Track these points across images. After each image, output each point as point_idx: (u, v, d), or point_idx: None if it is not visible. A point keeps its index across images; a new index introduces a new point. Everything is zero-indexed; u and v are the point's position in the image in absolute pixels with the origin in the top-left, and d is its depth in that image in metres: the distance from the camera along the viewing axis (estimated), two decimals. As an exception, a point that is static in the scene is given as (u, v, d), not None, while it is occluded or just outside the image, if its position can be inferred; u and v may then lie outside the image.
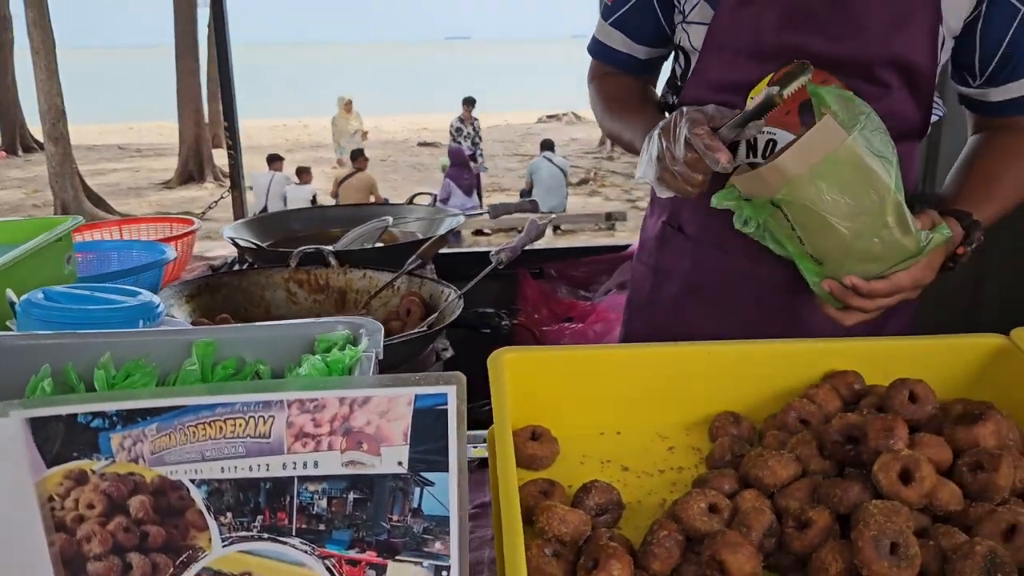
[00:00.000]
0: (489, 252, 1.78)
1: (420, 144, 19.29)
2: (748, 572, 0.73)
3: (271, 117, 25.72)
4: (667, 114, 1.15)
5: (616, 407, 1.00)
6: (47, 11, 11.42)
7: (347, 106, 14.49)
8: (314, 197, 9.81)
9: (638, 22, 1.31)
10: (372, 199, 9.58)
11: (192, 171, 14.79)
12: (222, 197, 7.79)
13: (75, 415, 0.49)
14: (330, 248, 1.78)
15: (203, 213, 7.57)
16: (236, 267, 2.08)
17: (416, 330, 1.45)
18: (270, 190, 10.11)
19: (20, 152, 17.35)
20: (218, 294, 1.65)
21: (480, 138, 12.64)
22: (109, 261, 1.81)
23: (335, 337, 0.78)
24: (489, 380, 0.91)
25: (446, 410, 0.51)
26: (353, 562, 0.53)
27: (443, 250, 2.21)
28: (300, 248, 1.76)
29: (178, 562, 0.52)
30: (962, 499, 0.78)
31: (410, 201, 1.93)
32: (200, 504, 0.52)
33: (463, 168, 10.29)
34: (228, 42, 2.51)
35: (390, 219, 2.09)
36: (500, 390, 0.89)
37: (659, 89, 1.40)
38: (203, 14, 16.12)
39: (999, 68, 1.20)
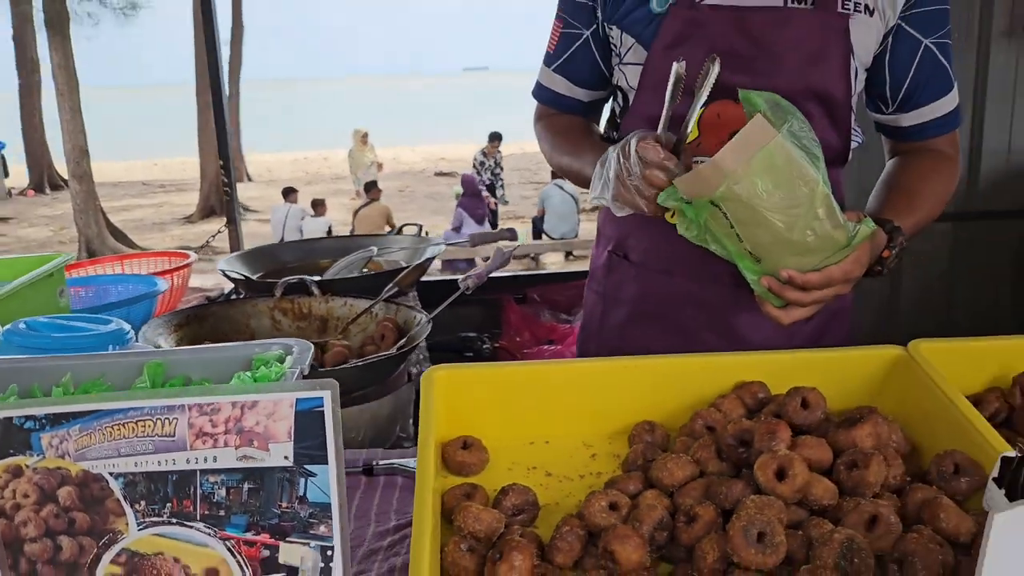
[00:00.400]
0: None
1: (437, 174, 19.52)
2: (635, 561, 0.82)
3: (292, 151, 26.17)
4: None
5: (545, 419, 1.09)
6: (71, 54, 11.79)
7: (363, 138, 14.76)
8: (329, 228, 9.99)
9: (579, 67, 1.41)
10: (387, 228, 9.75)
11: (213, 205, 15.07)
12: (219, 232, 7.96)
13: (11, 418, 0.59)
14: (313, 278, 1.88)
15: (201, 248, 7.75)
16: (232, 298, 2.19)
17: (382, 353, 1.54)
18: (286, 223, 10.32)
19: (48, 190, 17.79)
20: (205, 323, 1.76)
21: (501, 168, 12.82)
22: (108, 294, 1.93)
23: (268, 356, 0.87)
24: (420, 396, 1.00)
25: (323, 411, 0.61)
26: (250, 543, 0.63)
27: (437, 277, 2.31)
28: (285, 279, 1.87)
29: (100, 544, 0.62)
30: (836, 494, 0.86)
31: (398, 231, 2.02)
32: (118, 494, 0.61)
33: (476, 198, 10.43)
34: (222, 79, 2.65)
35: (375, 249, 2.20)
36: (428, 405, 0.98)
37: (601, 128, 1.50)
38: (224, 52, 16.55)
39: (907, 96, 1.31)
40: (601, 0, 1.33)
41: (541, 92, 1.48)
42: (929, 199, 1.31)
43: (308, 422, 0.61)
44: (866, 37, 1.26)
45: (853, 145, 1.33)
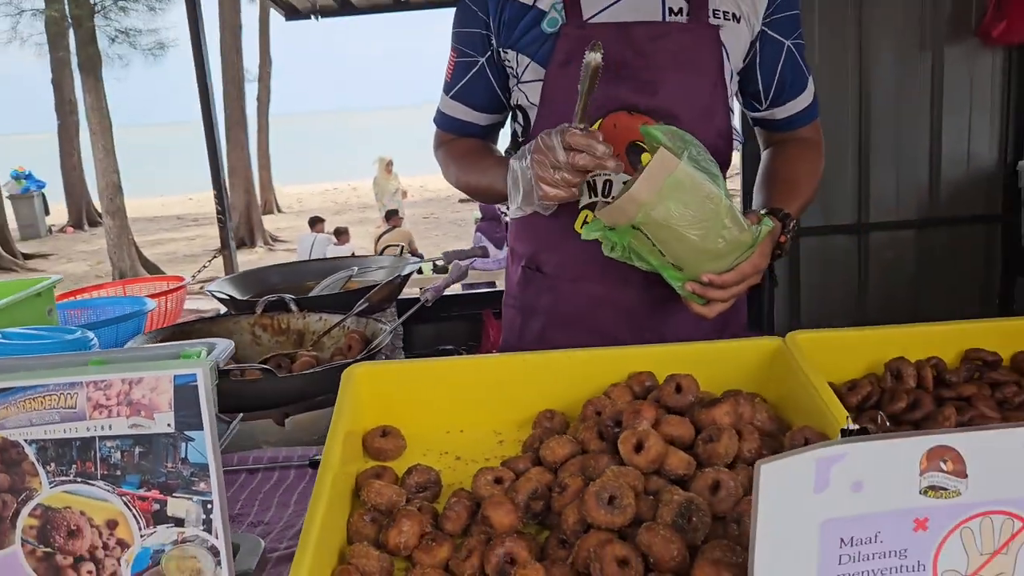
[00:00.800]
0: (468, 293, 2.01)
1: (461, 201, 19.76)
2: (507, 524, 0.93)
3: (321, 182, 26.67)
4: None
5: (460, 409, 1.20)
6: (103, 95, 12.25)
7: (387, 166, 15.05)
8: (352, 255, 10.22)
9: (476, 93, 1.52)
10: (409, 252, 9.97)
11: (244, 236, 15.45)
12: (212, 259, 8.16)
13: (-56, 395, 0.72)
14: (291, 296, 2.02)
15: (194, 275, 7.98)
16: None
17: (344, 361, 1.67)
18: (312, 251, 10.57)
19: (86, 227, 18.35)
20: (189, 338, 1.90)
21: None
22: (103, 314, 2.09)
23: (192, 351, 1.00)
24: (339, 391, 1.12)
25: (197, 385, 0.74)
26: (142, 498, 0.75)
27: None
28: (265, 297, 2.01)
29: (19, 500, 0.75)
30: (690, 464, 0.97)
31: (380, 253, 2.16)
32: (32, 457, 0.74)
33: (494, 221, 10.58)
34: (215, 115, 2.82)
35: (355, 269, 2.34)
36: (343, 398, 1.11)
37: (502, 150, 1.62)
38: (250, 89, 17.01)
39: (778, 92, 1.49)
40: (495, 28, 1.45)
41: (442, 119, 1.59)
42: (806, 182, 1.48)
43: (186, 394, 0.73)
44: (736, 43, 1.41)
45: (735, 147, 1.46)
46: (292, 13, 4.41)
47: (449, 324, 2.48)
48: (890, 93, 2.81)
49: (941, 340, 1.22)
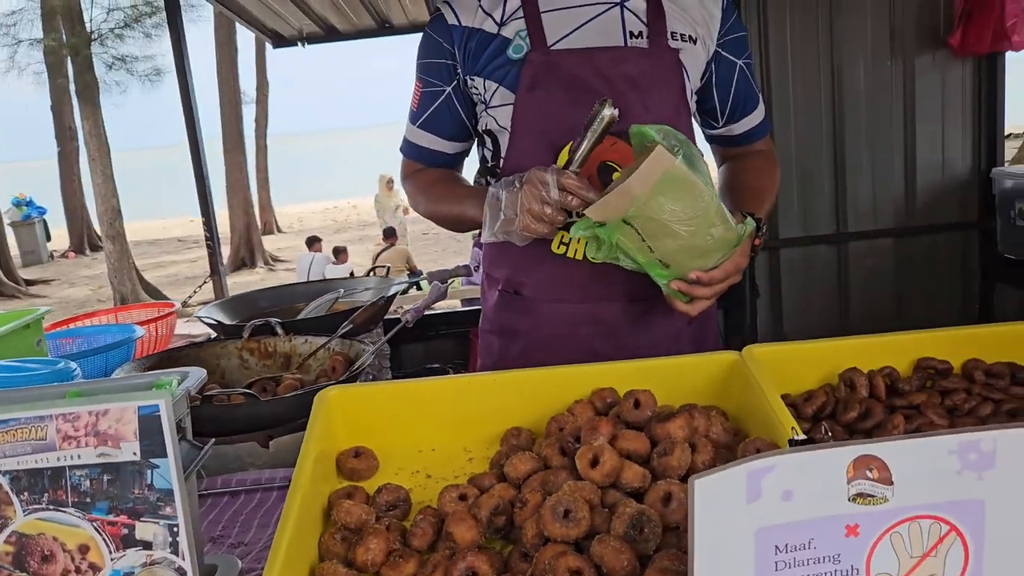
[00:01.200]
0: (455, 311, 2.05)
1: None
2: (469, 540, 0.97)
3: (321, 201, 26.78)
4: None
5: (432, 429, 1.24)
6: (101, 121, 12.37)
7: (388, 184, 15.12)
8: (351, 273, 10.27)
9: (443, 122, 1.56)
10: (407, 269, 10.02)
11: (244, 257, 15.54)
12: (202, 284, 8.21)
13: (-79, 430, 0.76)
14: (277, 319, 2.07)
15: (184, 302, 8.02)
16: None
17: (316, 385, 1.71)
18: (311, 270, 10.63)
19: (88, 251, 18.46)
20: (177, 365, 1.95)
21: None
22: (97, 341, 2.13)
23: (165, 381, 1.05)
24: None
25: (160, 415, 0.78)
26: (112, 523, 0.79)
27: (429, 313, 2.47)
28: (252, 321, 2.05)
29: (-5, 527, 0.79)
30: (645, 477, 1.00)
31: (367, 273, 2.19)
32: (6, 487, 0.78)
33: (493, 236, 10.64)
34: (201, 141, 2.87)
35: (341, 291, 2.38)
36: (315, 422, 1.15)
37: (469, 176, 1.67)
38: (248, 111, 17.13)
39: (733, 109, 1.56)
40: (460, 58, 1.50)
41: (409, 148, 1.62)
42: (769, 190, 1.55)
43: (150, 424, 0.78)
44: (695, 64, 1.47)
45: None
46: (279, 40, 4.49)
47: (438, 342, 2.52)
48: (864, 103, 2.86)
49: (895, 350, 1.25)
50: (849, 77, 2.86)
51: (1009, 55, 2.78)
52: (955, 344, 1.25)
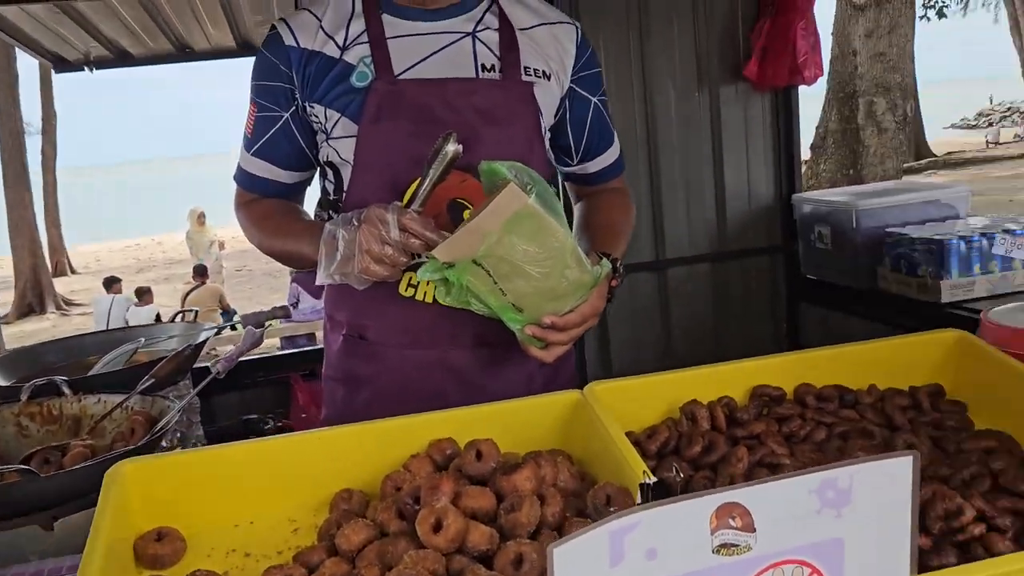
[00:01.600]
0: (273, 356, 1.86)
1: (276, 251, 19.12)
2: (296, 629, 0.84)
3: (122, 239, 24.98)
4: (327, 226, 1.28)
5: (249, 499, 1.10)
6: None
7: (199, 218, 14.27)
8: (158, 316, 9.55)
9: (280, 150, 1.43)
10: (220, 309, 9.46)
11: (32, 303, 14.14)
12: None
13: None
14: (63, 377, 1.81)
15: None
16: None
17: (110, 453, 1.50)
18: (111, 314, 9.79)
19: None
20: (-65, 439, 1.65)
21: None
22: None
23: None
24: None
25: None
26: None
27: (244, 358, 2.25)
28: (31, 382, 1.79)
29: None
30: (492, 538, 0.92)
31: (172, 319, 1.98)
32: None
33: (312, 272, 10.29)
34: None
35: (142, 340, 2.15)
36: (105, 503, 0.97)
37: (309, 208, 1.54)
38: (32, 142, 15.71)
39: (588, 147, 1.52)
40: (299, 82, 1.37)
41: (243, 177, 1.48)
42: (625, 228, 1.52)
43: None
44: (549, 99, 1.42)
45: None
46: (62, 64, 4.08)
47: (255, 391, 2.32)
48: (675, 131, 2.97)
49: (731, 378, 1.25)
50: (660, 102, 2.96)
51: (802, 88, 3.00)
52: (786, 370, 1.26)
